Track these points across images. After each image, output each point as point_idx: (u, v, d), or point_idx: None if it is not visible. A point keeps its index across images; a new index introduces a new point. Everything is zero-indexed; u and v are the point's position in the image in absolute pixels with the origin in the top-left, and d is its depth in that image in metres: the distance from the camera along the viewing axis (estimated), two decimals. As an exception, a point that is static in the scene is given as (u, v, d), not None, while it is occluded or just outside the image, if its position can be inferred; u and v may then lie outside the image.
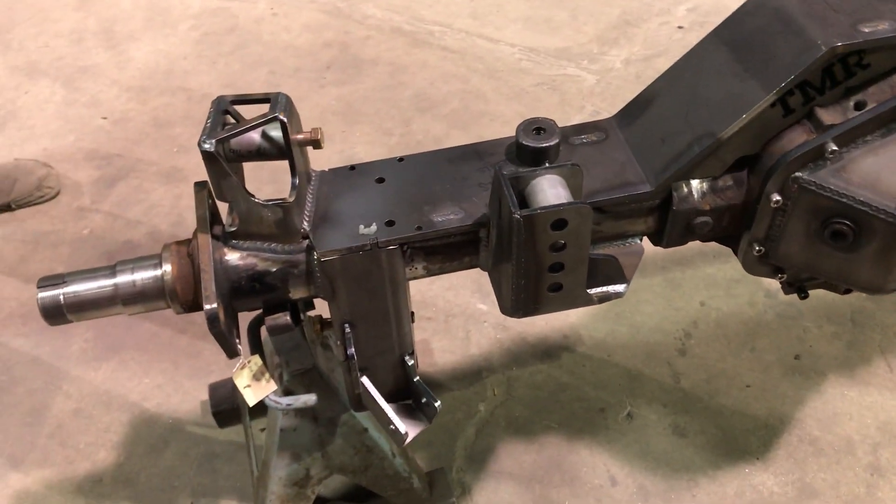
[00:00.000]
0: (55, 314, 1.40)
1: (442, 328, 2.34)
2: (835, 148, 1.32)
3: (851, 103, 1.34)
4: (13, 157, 2.81)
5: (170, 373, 2.29)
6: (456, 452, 2.07)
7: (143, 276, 1.40)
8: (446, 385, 2.21)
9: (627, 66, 3.10)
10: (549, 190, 1.23)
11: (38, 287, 1.40)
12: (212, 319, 1.31)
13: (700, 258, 2.43)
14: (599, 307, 2.34)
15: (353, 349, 1.42)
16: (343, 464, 1.76)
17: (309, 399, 1.61)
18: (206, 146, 1.25)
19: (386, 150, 2.82)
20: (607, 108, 2.87)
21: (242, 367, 1.52)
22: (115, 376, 2.28)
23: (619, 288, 1.42)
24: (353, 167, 1.50)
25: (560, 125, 1.45)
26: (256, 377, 1.55)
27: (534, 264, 1.25)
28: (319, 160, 2.80)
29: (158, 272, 1.39)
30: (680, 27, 3.30)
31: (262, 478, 1.80)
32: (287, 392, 1.71)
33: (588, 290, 1.41)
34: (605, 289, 1.41)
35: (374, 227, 1.36)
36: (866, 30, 1.27)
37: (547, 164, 1.43)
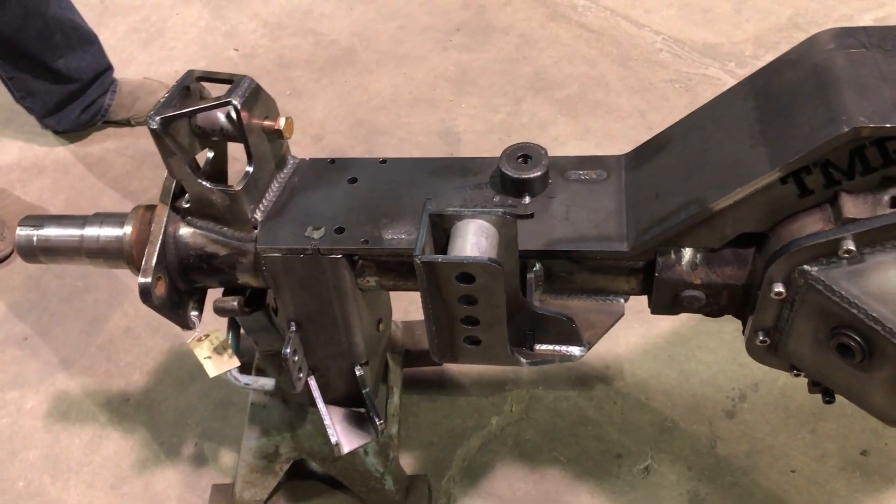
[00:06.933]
0: (29, 253, 1.46)
1: (483, 327, 2.22)
2: (851, 248, 1.07)
3: (887, 197, 1.08)
4: (143, 76, 2.96)
5: (219, 311, 2.35)
6: (454, 461, 1.98)
7: (107, 233, 1.42)
8: (466, 388, 2.11)
9: (780, 75, 2.73)
10: (471, 237, 1.09)
11: (19, 225, 1.46)
12: (143, 292, 1.31)
13: (786, 313, 2.13)
14: (653, 343, 2.13)
15: (289, 349, 1.37)
16: (312, 450, 1.74)
17: (267, 383, 1.58)
18: (152, 124, 1.22)
19: (487, 127, 2.68)
20: (741, 121, 2.56)
21: (200, 340, 1.52)
22: (170, 304, 2.37)
23: (574, 351, 1.26)
24: (333, 161, 1.42)
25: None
26: (218, 351, 1.54)
27: (444, 313, 1.13)
28: (417, 125, 2.75)
29: (120, 232, 1.40)
30: (860, 39, 2.84)
31: (242, 442, 1.82)
32: (259, 370, 1.70)
33: (539, 347, 1.27)
34: (554, 348, 1.26)
35: (322, 232, 1.28)
36: (910, 112, 1.00)
37: (527, 197, 1.29)
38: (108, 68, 2.78)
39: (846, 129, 1.01)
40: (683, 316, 2.15)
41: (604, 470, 1.92)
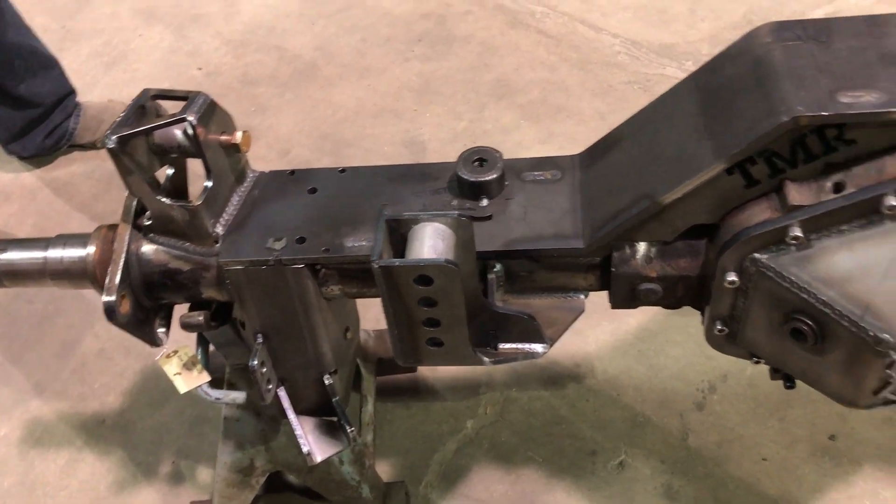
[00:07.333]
0: (-9, 278, 1.46)
1: (455, 332, 2.24)
2: (798, 234, 1.10)
3: (830, 183, 1.11)
4: (108, 98, 2.96)
5: (191, 330, 2.35)
6: (430, 466, 1.99)
7: (70, 254, 1.42)
8: (440, 394, 2.12)
9: (737, 72, 2.78)
10: (427, 241, 1.11)
11: (-20, 250, 1.46)
12: (108, 311, 1.31)
13: (751, 304, 2.17)
14: (622, 340, 2.15)
15: (256, 361, 1.37)
16: (287, 462, 1.74)
17: (238, 396, 1.59)
18: (109, 143, 1.23)
19: (452, 135, 2.71)
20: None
21: (169, 356, 1.52)
22: (142, 324, 2.37)
23: (537, 348, 1.29)
24: (292, 172, 1.44)
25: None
26: (187, 366, 1.54)
27: (405, 316, 1.15)
28: (382, 136, 2.78)
29: (83, 253, 1.41)
30: (813, 34, 2.91)
31: (217, 458, 1.82)
32: (230, 385, 1.70)
33: (503, 346, 1.29)
34: (517, 346, 1.28)
35: (283, 242, 1.30)
36: (845, 100, 1.04)
37: (485, 200, 1.31)
38: (71, 92, 2.78)
39: (786, 119, 1.04)
40: (650, 311, 2.21)
41: (579, 467, 1.94)
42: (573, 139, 2.60)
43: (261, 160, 2.62)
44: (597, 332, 2.17)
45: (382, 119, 2.83)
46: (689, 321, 2.18)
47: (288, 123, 2.87)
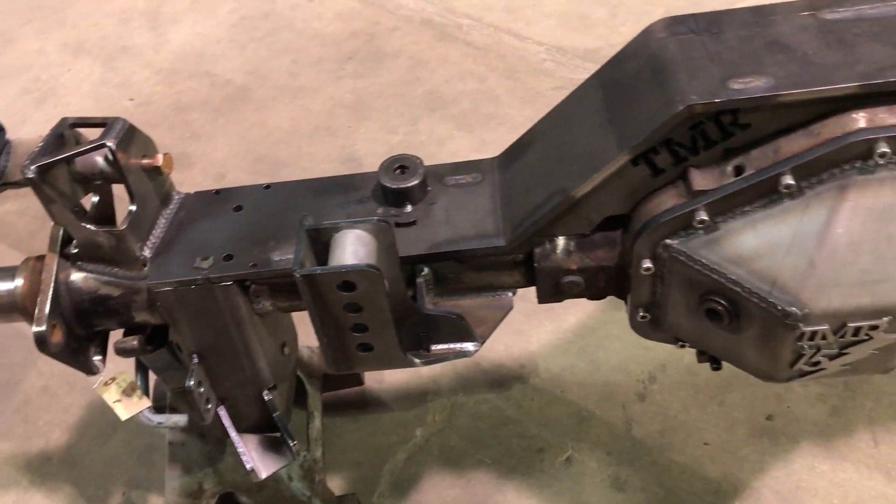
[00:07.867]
0: (-82, 315, 1.44)
1: (400, 343, 2.26)
2: (704, 217, 1.15)
3: (730, 167, 1.16)
4: (39, 135, 2.93)
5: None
6: (382, 476, 2.00)
7: (-3, 287, 1.41)
8: (388, 405, 2.14)
9: (660, 72, 2.87)
10: (349, 247, 1.13)
11: None
12: (39, 341, 1.31)
13: (685, 294, 2.23)
14: (563, 338, 2.20)
15: (192, 381, 1.38)
16: (236, 482, 1.74)
17: (180, 419, 1.59)
18: (28, 173, 1.24)
19: (387, 149, 2.74)
20: (627, 119, 2.67)
21: (107, 384, 1.52)
22: (85, 358, 2.35)
23: (468, 347, 1.31)
24: (218, 192, 1.46)
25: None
26: (126, 393, 1.54)
27: (333, 323, 1.17)
28: (318, 154, 2.80)
29: (11, 286, 1.40)
30: (730, 31, 3.01)
31: (165, 484, 1.81)
32: (172, 409, 1.70)
33: (434, 347, 1.32)
34: (448, 346, 1.31)
35: (210, 261, 1.31)
36: (736, 86, 1.09)
37: (409, 206, 1.34)
38: (0, 130, 2.75)
39: (681, 108, 1.09)
40: (589, 308, 2.26)
41: (527, 466, 1.97)
42: (506, 146, 2.64)
43: (197, 186, 2.61)
44: (539, 332, 2.21)
45: (318, 138, 2.86)
46: (624, 315, 2.23)
47: (223, 148, 2.87)
